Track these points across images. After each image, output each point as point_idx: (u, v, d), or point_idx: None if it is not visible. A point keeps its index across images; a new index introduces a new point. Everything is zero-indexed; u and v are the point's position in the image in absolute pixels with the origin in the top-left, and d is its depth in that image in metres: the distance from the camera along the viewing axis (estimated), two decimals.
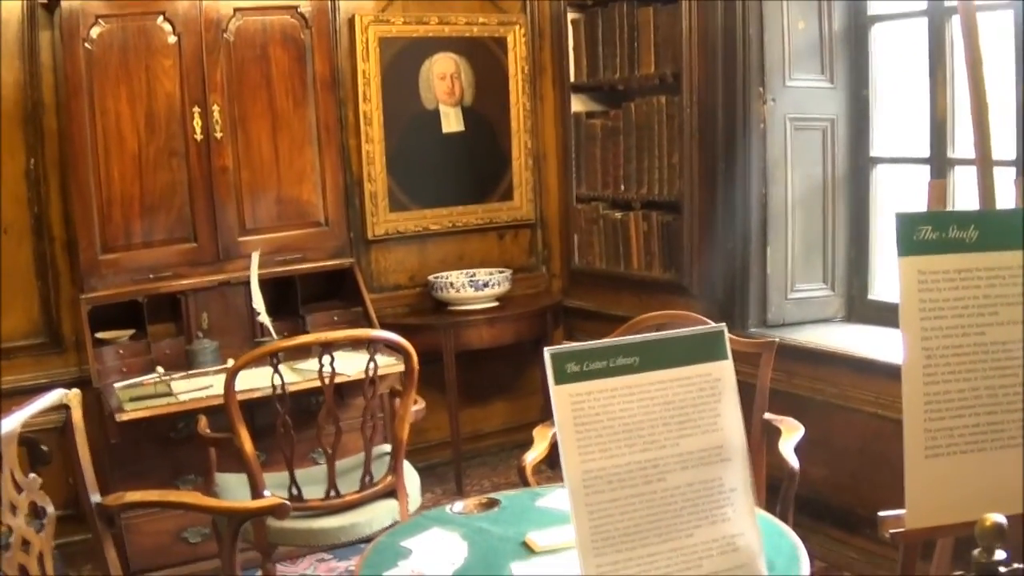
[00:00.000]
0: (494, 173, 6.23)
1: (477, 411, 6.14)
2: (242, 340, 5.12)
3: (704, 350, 2.52)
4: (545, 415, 6.31)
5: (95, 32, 4.75)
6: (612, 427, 2.39)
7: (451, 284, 5.76)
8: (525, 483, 3.58)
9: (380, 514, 4.02)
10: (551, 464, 5.78)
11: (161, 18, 4.87)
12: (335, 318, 5.28)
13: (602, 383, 2.40)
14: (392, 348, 4.10)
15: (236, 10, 5.01)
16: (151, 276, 4.93)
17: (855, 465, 4.54)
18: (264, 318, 4.96)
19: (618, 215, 5.91)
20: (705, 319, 3.96)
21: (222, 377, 4.61)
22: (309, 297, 5.36)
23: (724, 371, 2.52)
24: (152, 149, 4.90)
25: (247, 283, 5.04)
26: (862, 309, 5.13)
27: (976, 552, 1.88)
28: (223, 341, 5.02)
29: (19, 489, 2.99)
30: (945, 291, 2.72)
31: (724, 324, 2.59)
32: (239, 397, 4.36)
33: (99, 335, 4.85)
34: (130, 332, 4.95)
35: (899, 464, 4.19)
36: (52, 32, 5.02)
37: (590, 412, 2.38)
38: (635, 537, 2.35)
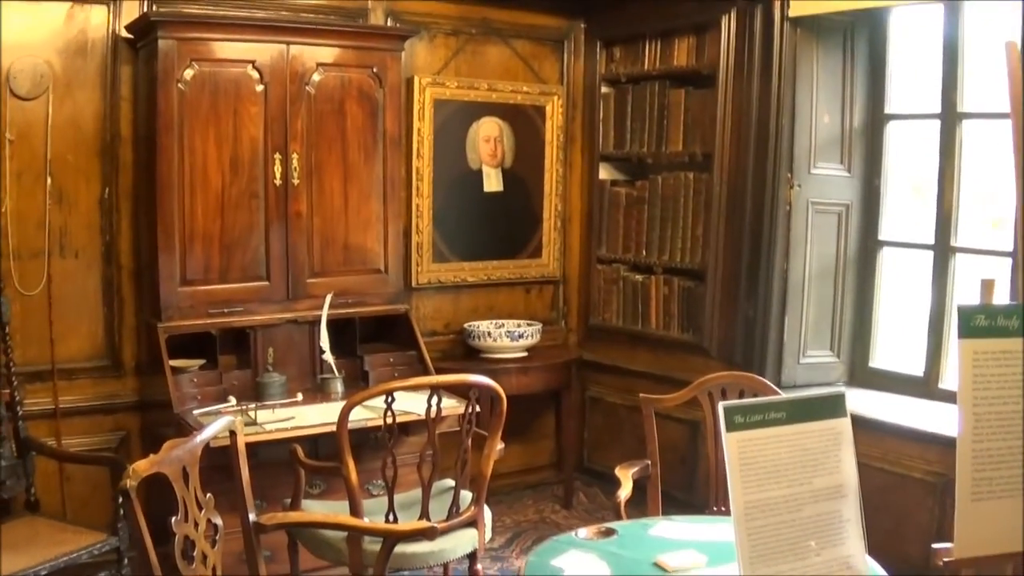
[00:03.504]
0: (526, 232, 7.03)
1: None
2: (304, 375, 5.73)
3: (830, 409, 3.35)
4: (558, 459, 7.11)
5: (188, 74, 5.29)
6: (766, 467, 3.18)
7: (488, 333, 6.52)
8: (618, 517, 4.33)
9: (463, 542, 4.62)
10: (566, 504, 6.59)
11: (251, 67, 5.46)
12: (391, 360, 5.93)
13: (760, 432, 3.19)
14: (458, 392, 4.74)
15: (319, 64, 5.64)
16: (225, 310, 5.51)
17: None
18: (329, 356, 5.62)
19: (639, 278, 6.76)
20: (767, 382, 4.78)
21: (300, 409, 5.31)
22: (362, 339, 6.00)
23: (844, 426, 3.35)
24: (235, 190, 5.47)
25: (312, 322, 5.70)
26: (862, 375, 6.01)
27: None
28: (286, 375, 5.63)
29: (199, 507, 3.44)
30: (992, 368, 3.50)
31: (844, 390, 3.42)
32: (322, 430, 5.08)
33: (172, 363, 5.35)
34: (201, 362, 5.50)
35: (903, 511, 5.04)
36: (134, 67, 5.60)
37: (751, 455, 3.16)
38: (779, 556, 3.14)
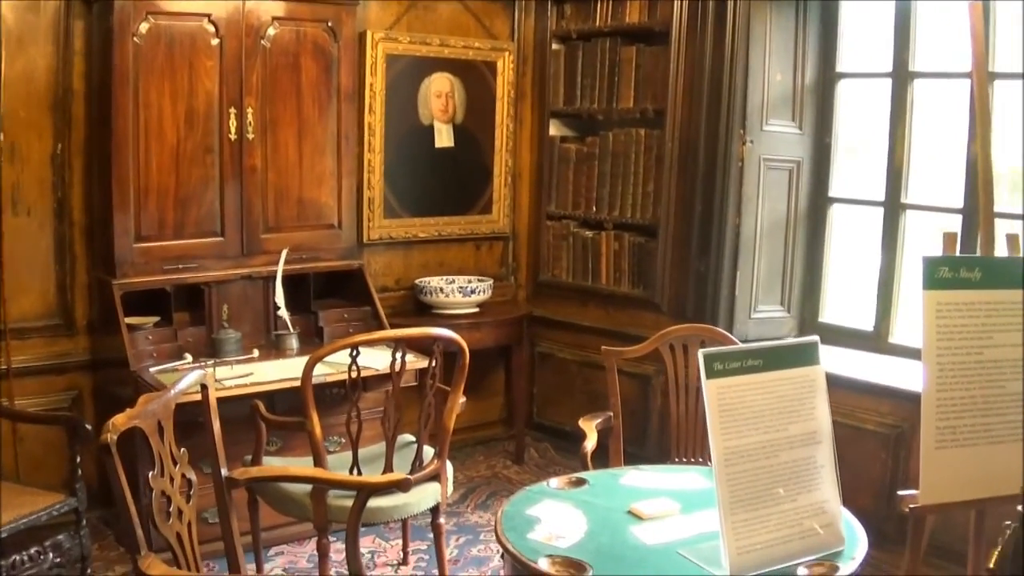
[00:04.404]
0: (477, 188, 7.08)
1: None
2: (258, 332, 5.75)
3: (804, 356, 3.45)
4: (508, 415, 7.19)
5: (144, 27, 5.24)
6: (744, 414, 3.27)
7: (440, 289, 6.56)
8: (585, 467, 4.41)
9: (426, 496, 4.69)
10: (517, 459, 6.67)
11: (206, 21, 5.42)
12: (345, 315, 5.97)
13: (738, 379, 3.28)
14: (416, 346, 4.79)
15: (274, 18, 5.63)
16: (179, 266, 5.49)
17: None
18: (283, 312, 5.64)
19: (589, 234, 6.83)
20: (728, 334, 4.88)
21: (257, 365, 5.32)
22: (316, 295, 6.03)
23: (818, 374, 3.45)
24: (189, 144, 5.45)
25: (266, 278, 5.72)
26: (812, 330, 6.08)
27: (1019, 507, 2.79)
28: (241, 332, 5.63)
29: (174, 462, 3.44)
30: (955, 319, 3.59)
31: (817, 337, 3.51)
32: (281, 386, 5.09)
33: (127, 320, 5.30)
34: (155, 319, 5.49)
35: (857, 463, 5.17)
36: (87, 21, 5.51)
37: (730, 401, 3.25)
38: (758, 501, 3.24)
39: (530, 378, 7.23)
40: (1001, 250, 4.03)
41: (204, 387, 3.82)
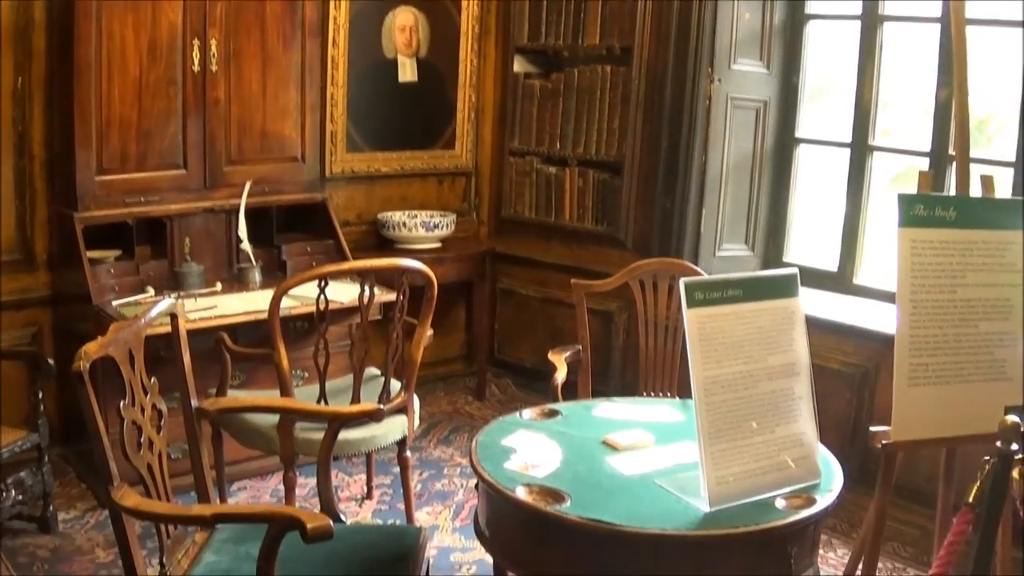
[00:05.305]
0: (440, 123, 7.00)
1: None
2: (220, 265, 5.68)
3: (783, 288, 3.47)
4: (469, 351, 7.17)
5: None
6: (724, 343, 3.28)
7: (402, 224, 6.51)
8: (555, 400, 4.40)
9: (393, 428, 4.66)
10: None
11: None
12: (308, 249, 5.91)
13: (718, 308, 3.29)
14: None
15: None
16: (141, 199, 5.40)
17: None
18: (246, 245, 5.58)
19: (552, 170, 6.78)
20: (698, 269, 4.88)
21: (221, 298, 5.27)
22: (279, 228, 5.97)
23: (796, 305, 3.48)
24: (152, 76, 5.33)
25: (228, 211, 5.64)
26: (776, 268, 6.13)
27: (998, 443, 2.80)
28: (204, 265, 5.57)
29: (145, 392, 3.36)
30: (930, 256, 3.62)
31: (797, 269, 3.51)
32: (246, 319, 5.05)
33: (88, 254, 5.21)
34: (117, 252, 5.41)
35: (821, 402, 5.18)
36: None
37: (709, 331, 3.26)
38: (737, 431, 3.25)
39: (492, 314, 7.19)
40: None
41: (174, 316, 3.74)
